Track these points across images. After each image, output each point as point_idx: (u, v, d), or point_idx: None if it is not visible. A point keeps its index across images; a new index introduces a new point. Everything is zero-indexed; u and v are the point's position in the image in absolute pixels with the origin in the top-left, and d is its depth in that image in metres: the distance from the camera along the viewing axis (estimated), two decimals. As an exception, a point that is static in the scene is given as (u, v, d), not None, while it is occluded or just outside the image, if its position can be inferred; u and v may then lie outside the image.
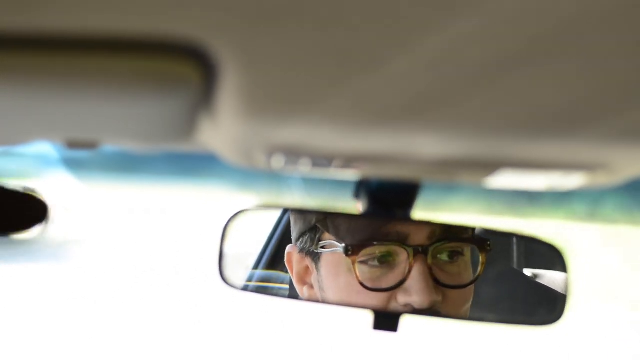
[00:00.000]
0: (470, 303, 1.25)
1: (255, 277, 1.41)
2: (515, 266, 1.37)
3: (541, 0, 0.36)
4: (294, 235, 1.29)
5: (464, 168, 0.73)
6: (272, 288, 1.39)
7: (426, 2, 0.37)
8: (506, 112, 0.53)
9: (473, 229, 1.26)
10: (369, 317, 1.20)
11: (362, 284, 1.20)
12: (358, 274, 1.20)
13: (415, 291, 1.19)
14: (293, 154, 0.69)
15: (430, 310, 1.20)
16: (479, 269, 1.23)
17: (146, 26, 0.41)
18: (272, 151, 0.68)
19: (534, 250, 1.37)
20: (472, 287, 1.25)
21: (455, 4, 0.37)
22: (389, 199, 1.18)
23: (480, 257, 1.23)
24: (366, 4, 0.38)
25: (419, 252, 1.19)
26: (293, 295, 1.31)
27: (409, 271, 1.19)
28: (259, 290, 1.41)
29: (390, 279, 1.20)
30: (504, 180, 0.78)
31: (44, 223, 0.82)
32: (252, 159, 0.73)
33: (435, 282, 1.20)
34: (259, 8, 0.38)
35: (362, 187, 1.19)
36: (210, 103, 0.52)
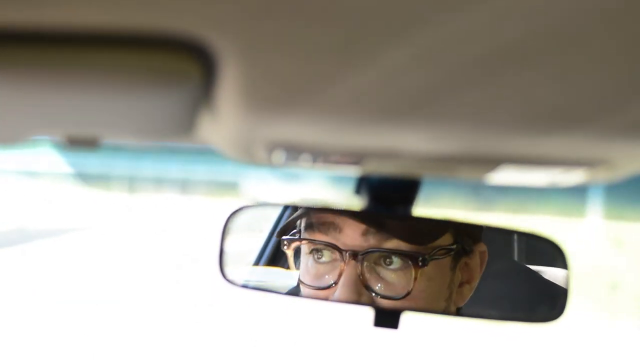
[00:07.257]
0: (447, 299, 1.24)
1: (256, 274, 1.41)
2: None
3: None
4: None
5: (465, 164, 0.73)
6: (273, 285, 1.39)
7: None
8: (506, 108, 0.53)
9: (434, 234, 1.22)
10: (369, 314, 1.20)
11: (300, 280, 1.25)
12: (299, 268, 1.24)
13: (340, 294, 1.21)
14: (293, 149, 0.69)
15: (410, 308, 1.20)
16: (412, 284, 1.19)
17: (146, 21, 0.41)
18: (272, 146, 0.68)
19: (534, 247, 1.37)
20: (441, 283, 1.22)
21: None
22: (390, 196, 1.18)
23: (413, 272, 1.19)
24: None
25: (351, 257, 1.19)
26: (293, 292, 1.31)
27: (340, 275, 1.21)
28: (259, 287, 1.41)
29: (329, 278, 1.23)
30: (505, 176, 0.78)
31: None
32: (252, 154, 0.73)
33: (366, 289, 1.20)
34: (259, 3, 0.38)
35: (363, 184, 1.19)
36: (210, 98, 0.52)
